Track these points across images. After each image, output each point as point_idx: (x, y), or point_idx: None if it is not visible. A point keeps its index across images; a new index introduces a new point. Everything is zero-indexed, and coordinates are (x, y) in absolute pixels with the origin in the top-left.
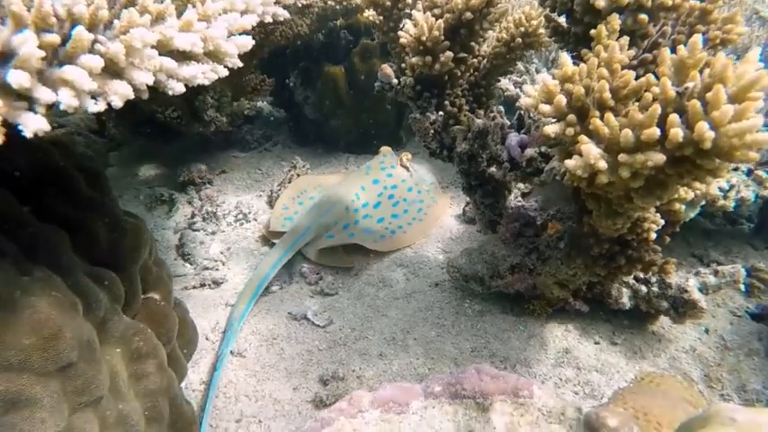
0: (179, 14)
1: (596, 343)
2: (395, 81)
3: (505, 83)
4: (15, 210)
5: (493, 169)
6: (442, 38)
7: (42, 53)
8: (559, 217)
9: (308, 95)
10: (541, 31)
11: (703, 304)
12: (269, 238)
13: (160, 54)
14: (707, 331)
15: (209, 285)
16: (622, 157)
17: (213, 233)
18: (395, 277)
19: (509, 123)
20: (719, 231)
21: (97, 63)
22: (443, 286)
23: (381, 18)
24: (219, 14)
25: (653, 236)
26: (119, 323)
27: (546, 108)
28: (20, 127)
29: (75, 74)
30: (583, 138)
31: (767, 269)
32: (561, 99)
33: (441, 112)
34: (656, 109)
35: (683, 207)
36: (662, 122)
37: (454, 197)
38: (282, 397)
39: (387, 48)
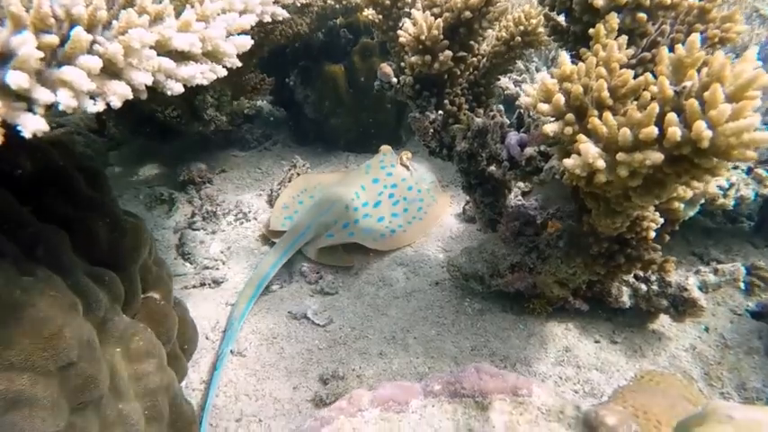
0: (177, 15)
1: (596, 341)
2: (394, 80)
3: (505, 81)
4: (15, 210)
5: (492, 168)
6: (441, 37)
7: (41, 54)
8: (559, 216)
9: (307, 94)
10: (541, 29)
11: (703, 302)
12: (269, 237)
13: (159, 54)
14: (707, 329)
15: (210, 285)
16: (620, 156)
17: (213, 232)
18: (395, 276)
19: (508, 122)
20: (720, 230)
21: (96, 64)
22: (443, 285)
23: (381, 17)
24: (218, 14)
25: (652, 234)
26: (119, 323)
27: (544, 107)
28: (19, 127)
29: (73, 74)
30: (581, 137)
31: (767, 267)
32: (560, 98)
33: (440, 111)
34: (654, 108)
35: (682, 206)
36: (660, 121)
37: (454, 196)
38: (282, 396)
39: (387, 46)
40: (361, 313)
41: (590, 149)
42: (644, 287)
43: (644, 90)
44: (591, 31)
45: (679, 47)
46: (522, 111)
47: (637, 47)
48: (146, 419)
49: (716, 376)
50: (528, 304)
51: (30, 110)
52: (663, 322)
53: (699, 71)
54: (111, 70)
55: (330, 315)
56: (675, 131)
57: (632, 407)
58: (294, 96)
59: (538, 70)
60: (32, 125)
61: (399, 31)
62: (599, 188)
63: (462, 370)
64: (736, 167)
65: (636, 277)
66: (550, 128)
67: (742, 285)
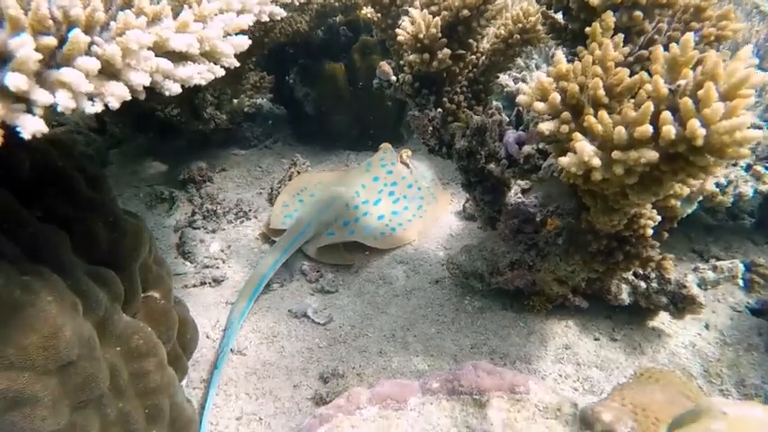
0: (175, 15)
1: (596, 339)
2: (393, 78)
3: (505, 79)
4: (15, 210)
5: (491, 166)
6: (440, 35)
7: (39, 56)
8: (559, 213)
9: (308, 92)
10: (539, 27)
11: (702, 299)
12: (269, 235)
13: (156, 55)
14: (706, 327)
15: (210, 283)
16: (616, 154)
17: (213, 231)
18: (395, 274)
19: (507, 120)
20: (720, 227)
21: (94, 65)
22: (443, 283)
23: (379, 15)
24: (216, 15)
25: (650, 232)
26: (119, 322)
27: (540, 106)
28: (18, 129)
29: (72, 76)
30: (577, 135)
31: (767, 264)
32: (556, 97)
33: (439, 109)
34: (649, 106)
35: (679, 203)
36: (655, 120)
37: (454, 194)
38: (283, 394)
39: (386, 44)
40: (362, 311)
41: (585, 148)
42: (643, 284)
43: (640, 88)
44: (588, 29)
45: (673, 45)
46: (521, 108)
47: (634, 45)
48: (146, 418)
49: (715, 373)
50: (528, 302)
51: (29, 111)
52: (662, 319)
53: (694, 69)
54: (109, 71)
55: (330, 313)
56: (670, 130)
57: (631, 404)
58: (294, 94)
59: (538, 67)
60: (32, 126)
61: (398, 30)
62: (596, 186)
63: (460, 368)
64: (735, 164)
65: (635, 274)
66: (547, 126)
67: (740, 282)
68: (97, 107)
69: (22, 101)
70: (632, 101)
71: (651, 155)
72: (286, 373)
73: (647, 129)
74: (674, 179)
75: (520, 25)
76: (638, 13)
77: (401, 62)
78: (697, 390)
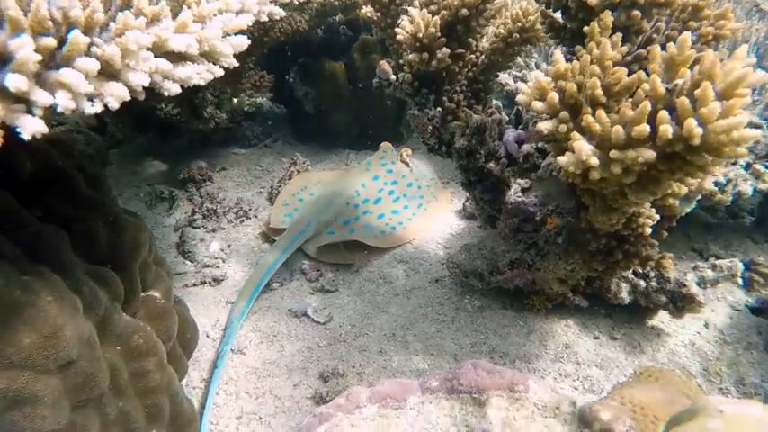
0: (174, 16)
1: (596, 338)
2: (393, 77)
3: (505, 77)
4: (15, 210)
5: (491, 165)
6: (439, 34)
7: (39, 57)
8: (559, 212)
9: (307, 91)
10: (538, 26)
11: (701, 298)
12: (269, 234)
13: (156, 56)
14: (706, 325)
15: (210, 283)
16: (614, 153)
17: (213, 230)
18: (395, 273)
19: (507, 119)
20: (720, 225)
21: (93, 66)
22: (443, 282)
23: (379, 14)
24: (215, 15)
25: (648, 231)
26: (119, 321)
27: (539, 105)
28: (18, 129)
29: (71, 77)
30: (575, 134)
31: (766, 263)
32: (554, 96)
33: (439, 108)
34: (646, 106)
35: (678, 202)
36: (652, 119)
37: (454, 193)
38: (283, 394)
39: (386, 43)
40: (362, 311)
41: (583, 147)
42: (643, 283)
43: (637, 88)
44: (586, 28)
45: (671, 45)
46: (520, 107)
47: (632, 44)
48: (146, 417)
49: (715, 372)
50: (527, 301)
51: (29, 112)
52: (662, 318)
53: (691, 69)
54: (108, 72)
55: (330, 312)
56: (667, 129)
57: (630, 403)
58: (294, 93)
59: (538, 66)
60: (31, 127)
61: (397, 29)
62: (594, 185)
63: (460, 366)
64: (734, 163)
65: (635, 273)
66: (545, 125)
67: (740, 281)
68: (97, 108)
69: (22, 102)
70: (630, 100)
71: (649, 154)
72: (286, 372)
73: (645, 128)
74: (671, 178)
75: (519, 24)
76: (637, 13)
77: (401, 61)
78: (696, 388)
